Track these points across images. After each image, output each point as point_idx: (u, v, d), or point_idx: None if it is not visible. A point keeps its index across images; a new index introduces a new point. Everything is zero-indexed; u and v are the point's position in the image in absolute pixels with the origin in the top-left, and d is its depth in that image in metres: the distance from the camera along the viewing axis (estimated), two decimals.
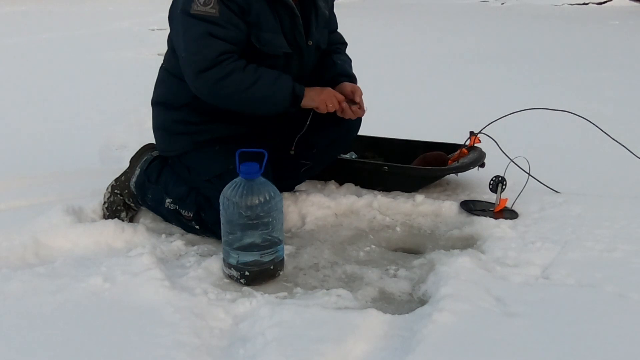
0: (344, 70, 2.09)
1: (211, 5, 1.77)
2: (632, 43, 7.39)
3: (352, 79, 2.08)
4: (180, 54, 1.84)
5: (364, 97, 2.01)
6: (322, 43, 2.06)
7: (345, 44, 2.25)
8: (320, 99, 1.91)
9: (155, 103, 2.07)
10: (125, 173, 2.13)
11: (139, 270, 1.64)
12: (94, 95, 4.26)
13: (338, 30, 2.25)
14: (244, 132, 2.00)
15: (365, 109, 2.01)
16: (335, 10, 2.18)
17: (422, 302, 1.59)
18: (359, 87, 2.02)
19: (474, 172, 2.31)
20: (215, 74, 1.78)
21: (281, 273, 1.74)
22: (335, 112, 1.97)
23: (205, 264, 1.76)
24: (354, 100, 1.97)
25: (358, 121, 2.15)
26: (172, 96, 2.00)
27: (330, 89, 1.95)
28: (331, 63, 2.10)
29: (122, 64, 5.65)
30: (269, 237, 1.68)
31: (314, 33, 1.98)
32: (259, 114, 1.94)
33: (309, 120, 2.00)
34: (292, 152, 2.08)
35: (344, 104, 1.96)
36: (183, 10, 1.81)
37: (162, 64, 2.07)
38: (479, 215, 2.07)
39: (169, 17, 1.92)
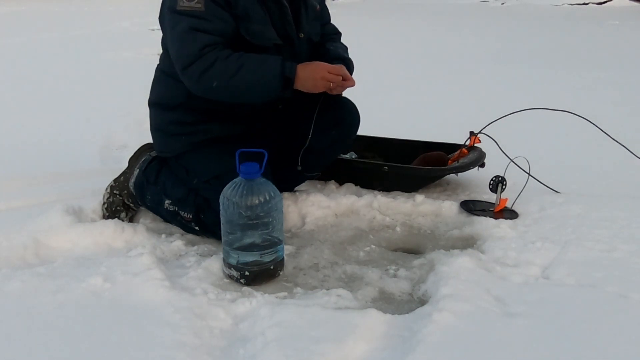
0: (336, 55, 2.06)
1: (196, 0, 1.77)
2: (632, 43, 7.39)
3: (346, 61, 2.05)
4: (171, 53, 1.85)
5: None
6: (314, 35, 2.06)
7: (339, 34, 2.24)
8: (315, 82, 1.83)
9: (152, 104, 2.07)
10: (124, 173, 2.13)
11: (139, 270, 1.64)
12: (94, 95, 4.26)
13: (334, 25, 2.25)
14: (240, 132, 2.00)
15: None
16: (335, 9, 2.19)
17: (422, 302, 1.59)
18: (341, 66, 1.93)
19: (474, 172, 2.31)
20: (198, 67, 1.77)
21: (281, 273, 1.74)
22: (334, 114, 1.97)
23: (205, 264, 1.76)
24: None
25: (357, 122, 2.15)
26: (166, 96, 2.00)
27: (320, 63, 1.86)
28: (324, 51, 2.09)
29: (122, 64, 5.65)
30: (269, 237, 1.68)
31: (305, 25, 1.98)
32: (253, 102, 1.91)
33: (310, 133, 1.99)
34: (300, 168, 2.07)
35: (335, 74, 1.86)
36: (170, 7, 1.82)
37: (158, 65, 2.08)
38: (479, 215, 2.07)
39: (160, 19, 1.93)
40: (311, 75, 1.83)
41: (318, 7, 2.07)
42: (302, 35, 1.97)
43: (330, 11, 2.23)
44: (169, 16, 1.83)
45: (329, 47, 2.11)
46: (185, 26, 1.78)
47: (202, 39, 1.77)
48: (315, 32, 2.07)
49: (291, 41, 1.94)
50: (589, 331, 1.38)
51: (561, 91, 4.35)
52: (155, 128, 2.07)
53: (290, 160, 2.10)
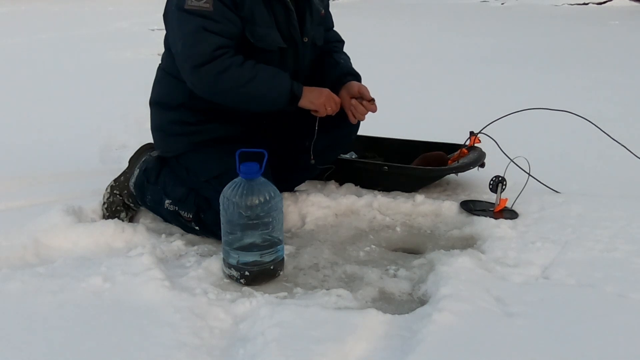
0: (348, 69, 2.09)
1: (205, 0, 1.77)
2: (632, 43, 7.39)
3: (358, 77, 2.08)
4: (177, 50, 1.85)
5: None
6: (317, 40, 2.06)
7: (342, 42, 2.25)
8: (319, 102, 1.91)
9: (153, 103, 2.08)
10: (124, 173, 2.13)
11: (139, 270, 1.64)
12: (94, 95, 4.26)
13: (335, 29, 2.25)
14: (241, 133, 2.00)
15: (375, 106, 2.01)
16: (335, 9, 2.19)
17: (422, 302, 1.59)
18: (365, 86, 2.02)
19: (474, 172, 2.31)
20: (212, 69, 1.78)
21: (281, 273, 1.74)
22: (334, 114, 1.97)
23: (205, 264, 1.76)
24: (364, 98, 1.98)
25: (358, 122, 2.15)
26: (168, 96, 2.00)
27: (328, 90, 1.95)
28: (334, 62, 2.11)
29: (122, 64, 5.65)
30: (269, 237, 1.68)
31: (309, 29, 1.99)
32: (256, 111, 1.94)
33: (317, 125, 1.99)
34: (313, 162, 2.07)
35: (354, 101, 1.96)
36: (177, 6, 1.82)
37: (160, 64, 2.08)
38: (479, 215, 2.07)
39: (164, 16, 1.93)
40: (317, 100, 1.91)
41: (322, 11, 2.08)
42: (306, 39, 1.97)
43: (330, 11, 2.23)
44: (177, 14, 1.82)
45: (338, 59, 2.12)
46: (196, 25, 1.78)
47: (214, 40, 1.78)
48: (319, 36, 2.07)
49: (295, 45, 1.95)
50: (588, 331, 1.38)
51: (561, 91, 4.35)
52: (155, 127, 2.07)
53: (290, 160, 2.10)
